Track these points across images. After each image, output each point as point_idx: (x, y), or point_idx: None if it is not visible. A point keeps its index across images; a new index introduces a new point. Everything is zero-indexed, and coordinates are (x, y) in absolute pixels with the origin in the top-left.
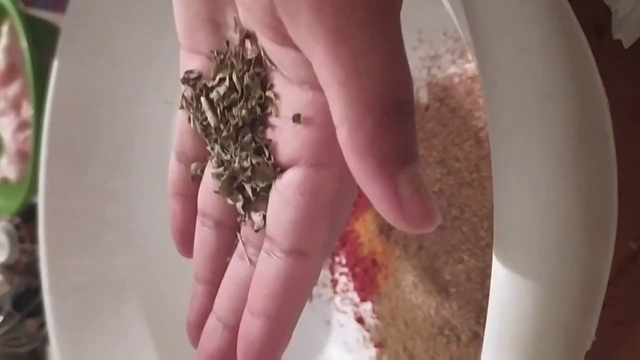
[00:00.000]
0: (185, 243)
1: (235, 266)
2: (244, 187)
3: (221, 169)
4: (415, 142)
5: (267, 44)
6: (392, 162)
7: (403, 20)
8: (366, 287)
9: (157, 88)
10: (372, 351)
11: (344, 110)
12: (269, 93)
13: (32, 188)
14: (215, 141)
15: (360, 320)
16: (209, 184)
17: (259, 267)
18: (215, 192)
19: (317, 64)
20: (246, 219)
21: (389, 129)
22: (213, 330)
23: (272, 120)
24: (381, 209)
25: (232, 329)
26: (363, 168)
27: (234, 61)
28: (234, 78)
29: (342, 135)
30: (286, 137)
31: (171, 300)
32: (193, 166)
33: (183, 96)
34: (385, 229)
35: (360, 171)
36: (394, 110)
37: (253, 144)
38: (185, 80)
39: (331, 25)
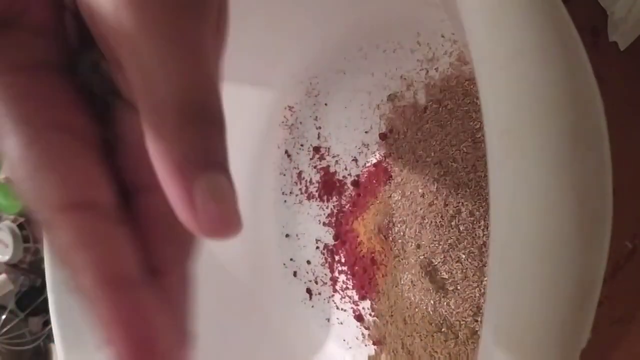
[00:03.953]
0: None
1: None
2: None
3: None
4: (223, 152)
5: None
6: (189, 166)
7: (402, 22)
8: (365, 285)
9: None
10: (371, 348)
11: (144, 113)
12: None
13: None
14: None
15: (359, 318)
16: None
17: None
18: None
19: (124, 71)
20: None
21: (186, 134)
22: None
23: None
24: (176, 210)
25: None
26: (161, 169)
27: None
28: None
29: (146, 137)
30: None
31: None
32: None
33: None
34: (384, 228)
35: (159, 172)
36: (193, 116)
37: None
38: None
39: (130, 33)
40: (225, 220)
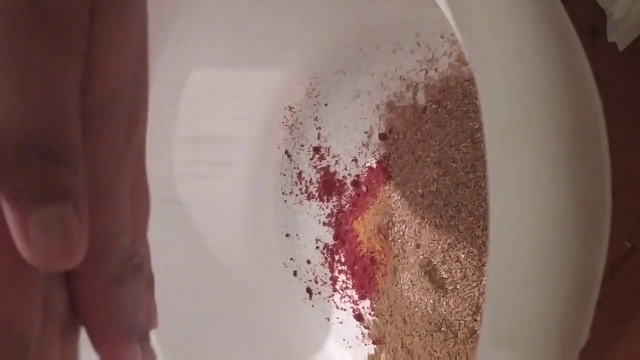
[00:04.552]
0: None
1: None
2: None
3: None
4: (67, 181)
5: None
6: (23, 200)
7: (402, 22)
8: (365, 284)
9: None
10: (371, 348)
11: None
12: None
13: None
14: None
15: (359, 317)
16: None
17: None
18: None
19: None
20: None
21: (21, 169)
22: None
23: None
24: (15, 242)
25: None
26: (4, 210)
27: None
28: None
29: None
30: None
31: (176, 299)
32: None
33: None
34: (384, 228)
35: (5, 214)
36: (28, 151)
37: None
38: None
39: None
40: (58, 254)
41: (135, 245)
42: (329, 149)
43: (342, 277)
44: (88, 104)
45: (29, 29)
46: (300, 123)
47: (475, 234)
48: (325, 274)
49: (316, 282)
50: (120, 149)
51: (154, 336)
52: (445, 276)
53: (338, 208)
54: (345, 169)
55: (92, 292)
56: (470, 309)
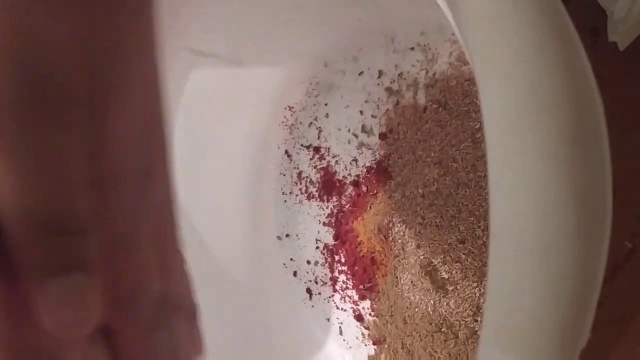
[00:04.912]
0: None
1: None
2: None
3: None
4: (81, 252)
5: None
6: (40, 272)
7: (402, 22)
8: (365, 285)
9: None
10: (371, 348)
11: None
12: None
13: None
14: None
15: (359, 317)
16: None
17: None
18: None
19: None
20: None
21: (32, 245)
22: None
23: None
24: (32, 309)
25: None
26: (19, 273)
27: None
28: None
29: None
30: None
31: None
32: None
33: None
34: (384, 228)
35: (22, 280)
36: (38, 229)
37: None
38: None
39: None
40: (75, 322)
41: (169, 286)
42: (329, 149)
43: (342, 277)
44: (97, 169)
45: (29, 114)
46: (300, 123)
47: (476, 234)
48: (325, 274)
49: (316, 282)
50: (135, 206)
51: None
52: (446, 276)
53: (338, 208)
54: (345, 169)
55: (130, 343)
56: (471, 310)
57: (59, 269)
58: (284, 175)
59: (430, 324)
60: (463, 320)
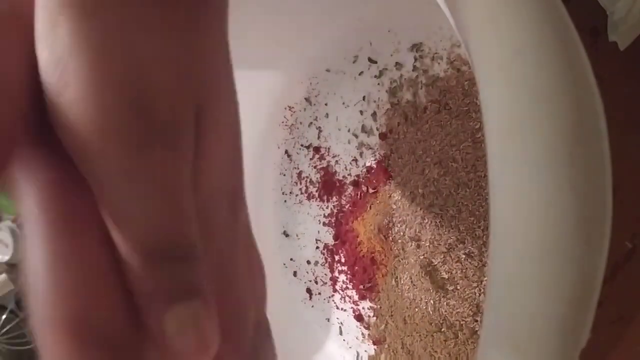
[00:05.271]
0: None
1: None
2: None
3: None
4: (195, 282)
5: None
6: (156, 301)
7: (402, 22)
8: (365, 285)
9: None
10: (371, 348)
11: (116, 248)
12: None
13: None
14: None
15: (359, 317)
16: None
17: None
18: None
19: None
20: None
21: (152, 273)
22: None
23: None
24: (152, 336)
25: None
26: (137, 301)
27: None
28: None
29: (122, 268)
30: None
31: None
32: None
33: None
34: (384, 228)
35: (137, 302)
36: (159, 256)
37: None
38: None
39: (95, 179)
40: (195, 348)
41: (260, 312)
42: (329, 149)
43: (342, 277)
44: (200, 192)
45: (143, 140)
46: (300, 123)
47: (476, 234)
48: (325, 274)
49: (316, 282)
50: (230, 231)
51: None
52: (446, 276)
53: (338, 208)
54: (345, 169)
55: None
56: (471, 310)
57: (177, 297)
58: (284, 175)
59: (430, 324)
60: (463, 320)
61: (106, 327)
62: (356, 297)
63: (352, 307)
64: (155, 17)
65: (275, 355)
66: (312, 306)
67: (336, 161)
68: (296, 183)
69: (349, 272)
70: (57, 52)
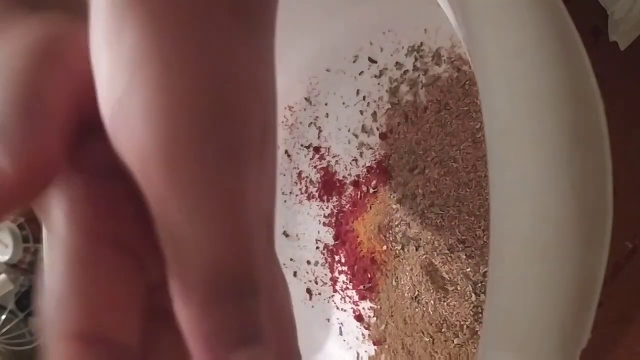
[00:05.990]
0: None
1: None
2: None
3: None
4: (258, 321)
5: None
6: (219, 344)
7: (402, 21)
8: (365, 285)
9: None
10: (371, 348)
11: (172, 287)
12: None
13: None
14: None
15: (359, 318)
16: None
17: None
18: None
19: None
20: None
21: (216, 310)
22: None
23: None
24: None
25: None
26: (193, 346)
27: None
28: None
29: (174, 299)
30: None
31: None
32: None
33: None
34: (384, 228)
35: (191, 347)
36: (224, 291)
37: None
38: None
39: (159, 191)
40: None
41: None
42: (329, 149)
43: (342, 277)
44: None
45: (216, 157)
46: (300, 123)
47: (476, 235)
48: (325, 274)
49: (316, 282)
50: (271, 261)
51: None
52: (447, 277)
53: (338, 208)
54: (345, 169)
55: None
56: (471, 310)
57: (240, 340)
58: (284, 175)
59: (431, 324)
60: (463, 321)
61: (114, 349)
62: (356, 298)
63: (352, 308)
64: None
65: None
66: (312, 306)
67: (336, 161)
68: (296, 183)
69: (349, 272)
70: (122, 59)
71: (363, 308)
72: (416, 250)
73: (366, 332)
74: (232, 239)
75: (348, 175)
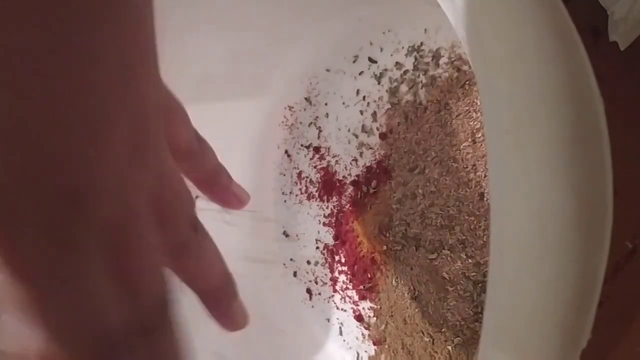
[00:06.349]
0: None
1: None
2: None
3: None
4: (163, 349)
5: None
6: None
7: (402, 21)
8: (365, 285)
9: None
10: (371, 348)
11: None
12: None
13: None
14: None
15: (359, 318)
16: None
17: None
18: None
19: None
20: None
21: (127, 350)
22: None
23: None
24: None
25: None
26: None
27: None
28: None
29: None
30: None
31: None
32: None
33: None
34: (384, 228)
35: None
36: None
37: None
38: None
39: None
40: None
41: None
42: (329, 149)
43: (342, 277)
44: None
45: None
46: (300, 123)
47: (476, 234)
48: (326, 274)
49: (316, 282)
50: None
51: None
52: (447, 277)
53: (338, 208)
54: (345, 169)
55: None
56: (471, 310)
57: None
58: (284, 175)
59: (431, 324)
60: (463, 321)
61: None
62: (356, 298)
63: (352, 308)
64: None
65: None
66: (312, 306)
67: (336, 161)
68: (296, 183)
69: (349, 272)
70: None
71: (363, 308)
72: (416, 250)
73: (366, 332)
74: (87, 304)
75: (348, 175)
